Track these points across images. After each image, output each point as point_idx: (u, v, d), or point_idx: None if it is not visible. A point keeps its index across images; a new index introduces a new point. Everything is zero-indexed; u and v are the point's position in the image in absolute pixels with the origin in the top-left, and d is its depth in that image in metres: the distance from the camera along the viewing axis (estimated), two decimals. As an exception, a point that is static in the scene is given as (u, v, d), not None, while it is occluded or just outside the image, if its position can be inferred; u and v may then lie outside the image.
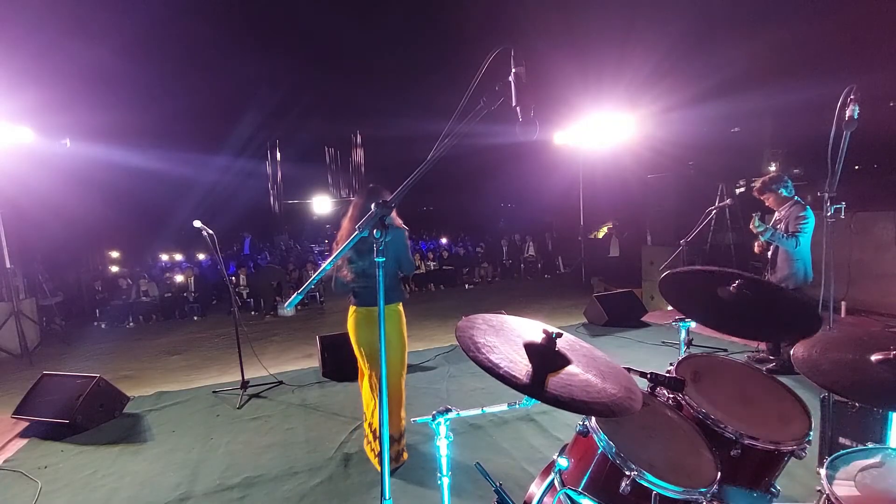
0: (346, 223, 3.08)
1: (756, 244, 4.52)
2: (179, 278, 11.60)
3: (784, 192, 4.28)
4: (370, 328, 2.97)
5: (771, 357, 4.50)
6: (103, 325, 10.43)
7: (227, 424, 4.05)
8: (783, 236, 4.14)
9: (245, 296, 11.39)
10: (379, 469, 3.00)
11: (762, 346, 4.79)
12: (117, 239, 15.47)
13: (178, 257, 14.66)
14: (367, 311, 3.00)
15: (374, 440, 3.07)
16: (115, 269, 13.32)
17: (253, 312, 11.01)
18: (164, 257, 14.86)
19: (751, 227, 4.31)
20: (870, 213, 6.57)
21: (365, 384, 3.16)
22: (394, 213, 2.95)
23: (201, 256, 14.02)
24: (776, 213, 4.39)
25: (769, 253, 4.41)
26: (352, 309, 3.06)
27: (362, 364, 3.11)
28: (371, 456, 3.17)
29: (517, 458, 3.15)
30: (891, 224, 6.39)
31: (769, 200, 4.39)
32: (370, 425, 3.11)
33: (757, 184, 4.41)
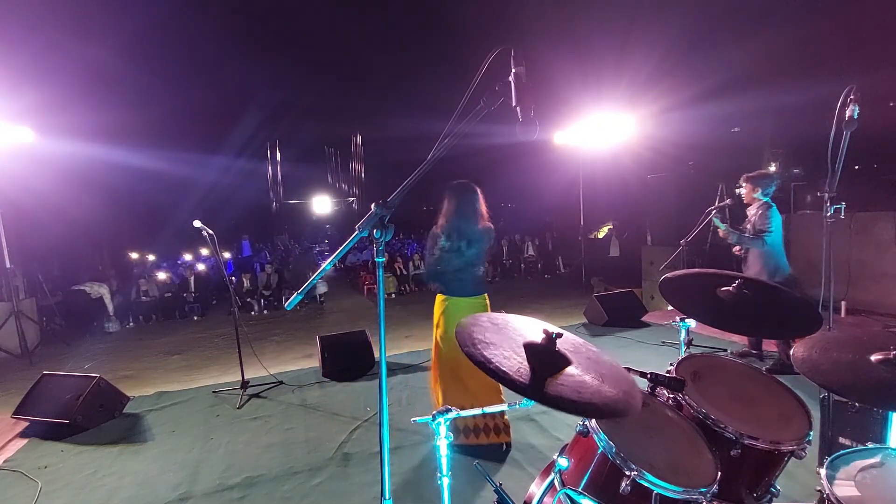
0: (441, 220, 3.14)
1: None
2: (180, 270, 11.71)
3: (758, 195, 4.34)
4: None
5: (753, 351, 4.61)
6: (104, 325, 10.42)
7: (227, 424, 4.05)
8: (749, 237, 4.26)
9: (254, 296, 11.39)
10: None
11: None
12: (117, 239, 15.47)
13: (186, 257, 14.70)
14: (469, 302, 3.08)
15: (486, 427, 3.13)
16: (151, 258, 13.44)
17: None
18: (188, 256, 14.89)
19: (720, 232, 4.43)
20: (870, 213, 6.58)
21: (469, 377, 3.04)
22: (485, 211, 3.14)
23: (204, 252, 14.10)
24: (748, 211, 4.47)
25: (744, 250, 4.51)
26: (454, 300, 3.09)
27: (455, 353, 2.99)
28: (487, 437, 3.15)
29: (517, 458, 3.15)
30: (891, 224, 6.40)
31: (746, 192, 4.43)
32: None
33: (753, 174, 4.44)
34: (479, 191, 3.15)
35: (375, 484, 2.96)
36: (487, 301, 3.19)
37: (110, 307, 10.53)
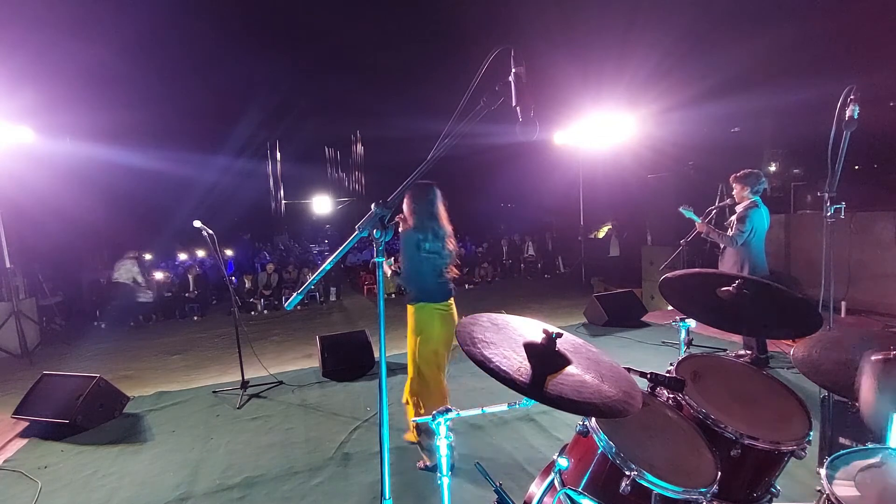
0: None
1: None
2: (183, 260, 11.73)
3: (747, 193, 4.38)
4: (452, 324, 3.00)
5: (749, 351, 4.65)
6: (103, 325, 10.41)
7: (227, 424, 4.05)
8: (727, 236, 4.35)
9: (255, 296, 11.37)
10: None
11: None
12: (117, 238, 15.45)
13: (183, 256, 14.67)
14: (446, 307, 3.04)
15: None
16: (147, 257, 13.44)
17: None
18: (183, 256, 14.85)
19: (697, 226, 4.55)
20: (870, 213, 6.58)
21: (442, 379, 3.12)
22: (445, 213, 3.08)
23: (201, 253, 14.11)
24: (736, 208, 4.51)
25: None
26: (430, 307, 2.97)
27: (441, 360, 3.07)
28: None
29: (517, 458, 3.15)
30: (891, 224, 6.40)
31: (737, 192, 4.47)
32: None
33: (739, 173, 4.48)
34: (439, 192, 3.09)
35: (375, 484, 2.96)
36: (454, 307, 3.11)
37: (140, 279, 10.71)
